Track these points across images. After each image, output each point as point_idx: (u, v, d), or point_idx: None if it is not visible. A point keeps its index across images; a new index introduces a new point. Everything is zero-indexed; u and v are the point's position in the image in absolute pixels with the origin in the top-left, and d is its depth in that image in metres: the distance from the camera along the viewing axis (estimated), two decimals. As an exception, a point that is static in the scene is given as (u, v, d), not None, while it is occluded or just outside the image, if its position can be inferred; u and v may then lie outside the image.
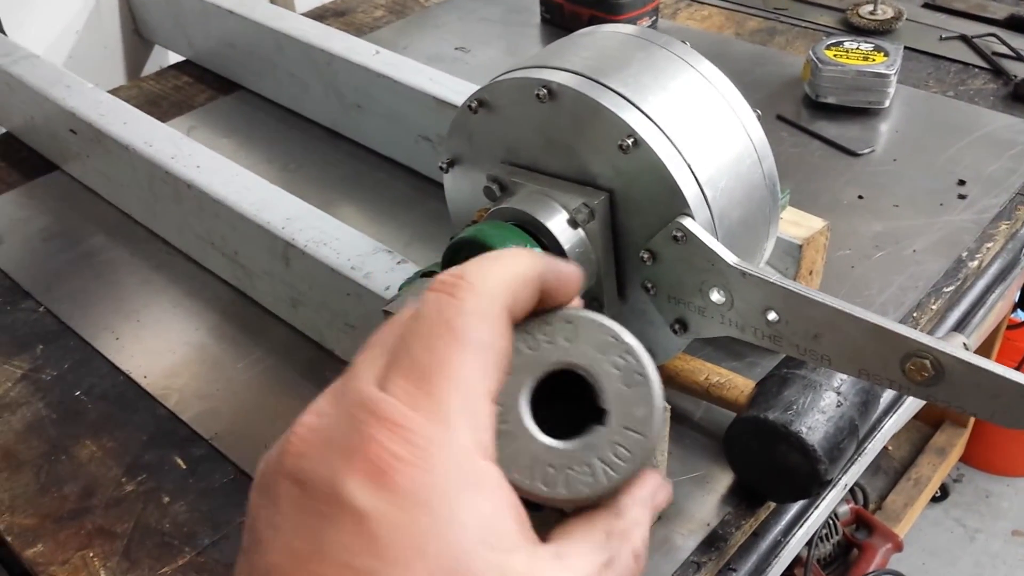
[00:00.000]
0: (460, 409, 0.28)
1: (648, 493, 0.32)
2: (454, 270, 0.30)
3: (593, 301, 0.58)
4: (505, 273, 0.30)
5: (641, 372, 0.31)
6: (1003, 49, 1.09)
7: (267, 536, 0.27)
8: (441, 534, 0.26)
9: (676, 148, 0.54)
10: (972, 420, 1.57)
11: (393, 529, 0.26)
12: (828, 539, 1.42)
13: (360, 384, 0.29)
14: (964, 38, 1.12)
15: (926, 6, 1.19)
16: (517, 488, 0.30)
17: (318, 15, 1.23)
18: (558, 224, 0.55)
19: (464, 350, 0.28)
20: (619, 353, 0.31)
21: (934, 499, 1.68)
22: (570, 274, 0.32)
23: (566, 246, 0.55)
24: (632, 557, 0.30)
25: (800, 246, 0.67)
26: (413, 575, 0.25)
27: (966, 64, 1.08)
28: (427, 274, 0.59)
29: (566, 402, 0.32)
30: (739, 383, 0.63)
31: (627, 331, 0.32)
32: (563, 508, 0.31)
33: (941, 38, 1.12)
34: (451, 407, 0.27)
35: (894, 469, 1.58)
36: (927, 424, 1.61)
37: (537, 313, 0.32)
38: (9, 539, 0.61)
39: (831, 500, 0.68)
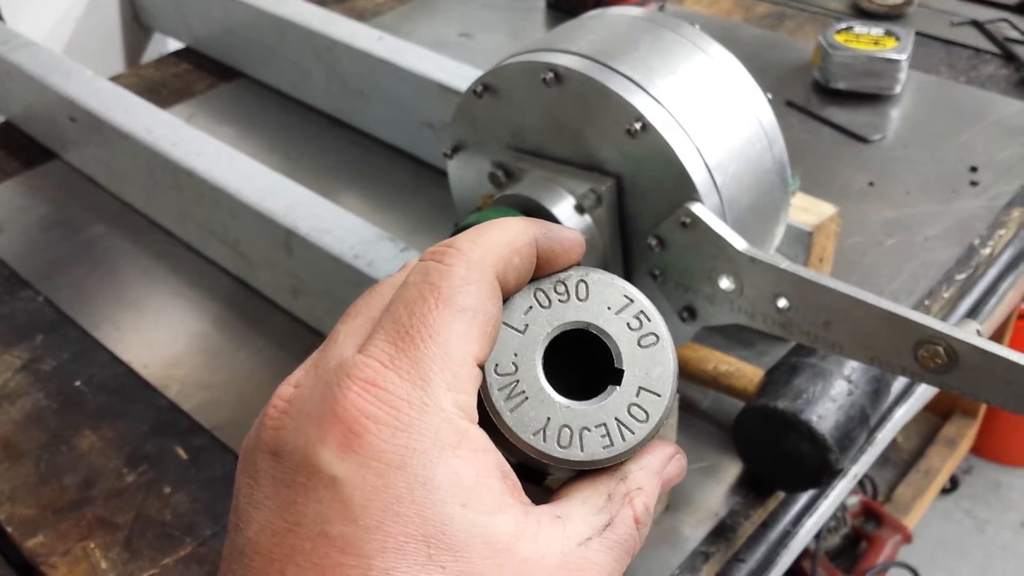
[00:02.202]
0: (441, 369, 0.27)
1: (658, 462, 0.31)
2: (444, 241, 0.30)
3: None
4: (495, 240, 0.30)
5: (656, 332, 0.31)
6: (1015, 34, 1.07)
7: (247, 514, 0.27)
8: (416, 496, 0.25)
9: (685, 132, 0.53)
10: (982, 411, 1.56)
11: (366, 493, 0.25)
12: (836, 531, 1.41)
13: (338, 350, 0.28)
14: (976, 23, 1.10)
15: (937, -9, 1.18)
16: (531, 450, 0.30)
17: (320, 0, 1.22)
18: (564, 210, 0.54)
19: (448, 312, 0.27)
20: (634, 313, 0.31)
21: (944, 490, 1.67)
22: (569, 238, 0.32)
23: (572, 232, 0.54)
24: (633, 522, 0.29)
25: (810, 233, 0.66)
26: (389, 539, 0.25)
27: (978, 50, 1.06)
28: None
29: (577, 362, 0.31)
30: (748, 372, 0.62)
31: (640, 292, 0.32)
32: (572, 471, 0.31)
33: (952, 23, 1.11)
34: (431, 367, 0.27)
35: (903, 460, 1.57)
36: (937, 415, 1.60)
37: (550, 273, 0.32)
38: (9, 530, 0.60)
39: (841, 490, 0.67)
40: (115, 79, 1.06)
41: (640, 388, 0.30)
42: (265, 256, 0.73)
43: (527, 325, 0.31)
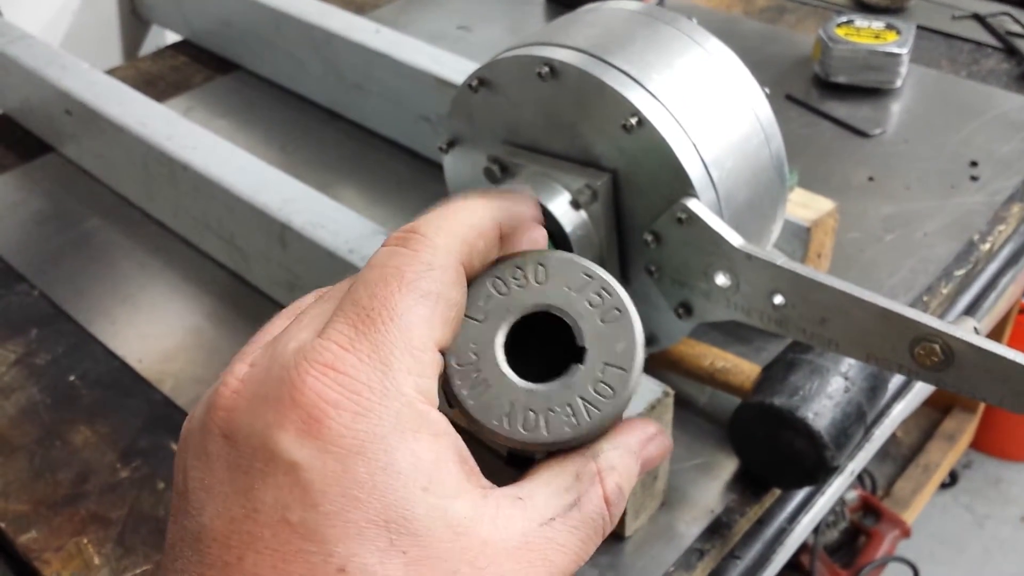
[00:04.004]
0: (402, 353, 0.26)
1: (635, 441, 0.30)
2: (407, 225, 0.29)
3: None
4: (460, 224, 0.29)
5: (618, 307, 0.31)
6: (1016, 28, 1.07)
7: (199, 499, 0.26)
8: (377, 481, 0.25)
9: (681, 127, 0.52)
10: (982, 406, 1.56)
11: (327, 479, 0.25)
12: (835, 526, 1.41)
13: (298, 332, 0.28)
14: (977, 17, 1.09)
15: (938, -16, 1.17)
16: (497, 436, 0.29)
17: (319, -6, 1.21)
18: (560, 206, 0.54)
19: (410, 296, 0.27)
20: (594, 289, 0.31)
21: (943, 485, 1.67)
22: (525, 211, 0.32)
23: (568, 228, 0.53)
24: (602, 502, 0.29)
25: (808, 228, 0.66)
26: (350, 525, 0.25)
27: (979, 44, 1.06)
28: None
29: (545, 346, 0.31)
30: (745, 368, 0.61)
31: (602, 268, 0.31)
32: (545, 454, 0.30)
33: (954, 17, 1.10)
34: (392, 350, 0.26)
35: (903, 455, 1.56)
36: (936, 409, 1.60)
37: (507, 257, 0.32)
38: (3, 525, 0.60)
39: (838, 486, 0.67)
40: (112, 72, 1.06)
41: (605, 364, 0.30)
42: (260, 250, 0.73)
43: (486, 315, 0.31)
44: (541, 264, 0.31)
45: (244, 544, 0.25)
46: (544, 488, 0.28)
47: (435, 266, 0.28)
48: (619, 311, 0.30)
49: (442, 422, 0.27)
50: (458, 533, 0.26)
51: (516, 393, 0.30)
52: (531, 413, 0.29)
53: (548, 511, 0.28)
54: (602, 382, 0.30)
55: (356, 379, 0.26)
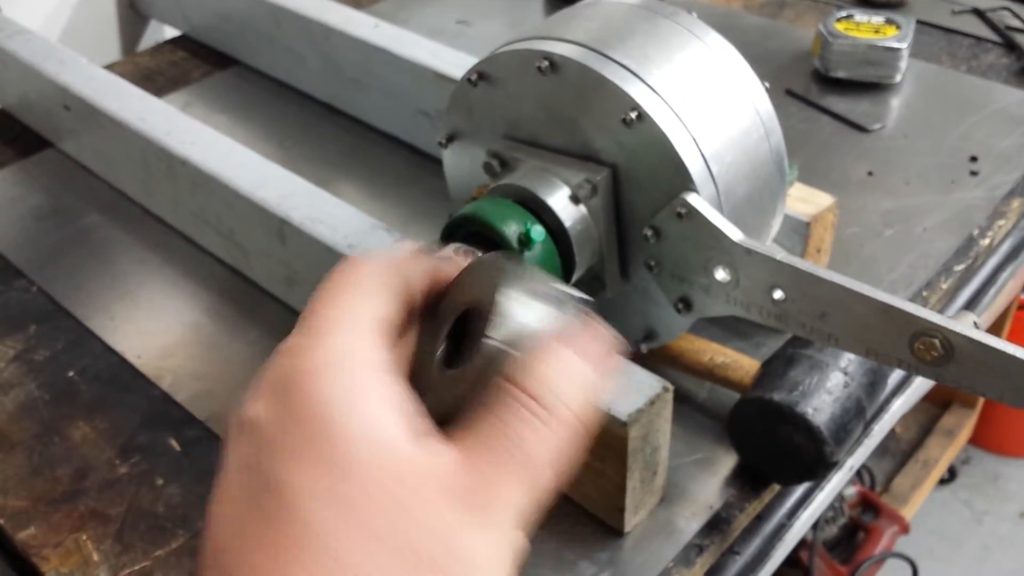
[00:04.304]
0: (336, 319, 0.31)
1: (534, 339, 0.32)
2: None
3: (595, 279, 0.56)
4: (386, 249, 0.35)
5: (513, 268, 0.33)
6: (1016, 23, 1.07)
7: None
8: (326, 430, 0.28)
9: (681, 122, 0.52)
10: (981, 401, 1.56)
11: (284, 430, 0.28)
12: (834, 521, 1.41)
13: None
14: (977, 11, 1.09)
15: (938, -21, 1.17)
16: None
17: (318, -11, 1.21)
18: (559, 200, 0.54)
19: (341, 285, 0.32)
20: (494, 269, 0.34)
21: (942, 481, 1.67)
22: (451, 264, 0.36)
23: (567, 223, 0.53)
24: (512, 388, 0.30)
25: (808, 223, 0.66)
26: (287, 449, 0.28)
27: (979, 38, 1.05)
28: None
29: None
30: (744, 363, 0.61)
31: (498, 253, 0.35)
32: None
33: (953, 11, 1.10)
34: (326, 320, 0.31)
35: (902, 451, 1.56)
36: (936, 405, 1.60)
37: None
38: (1, 522, 0.60)
39: (837, 482, 0.67)
40: (111, 67, 1.06)
41: (504, 309, 0.32)
42: (259, 246, 0.73)
43: (429, 337, 0.34)
44: (465, 274, 0.35)
45: (219, 510, 0.29)
46: (464, 418, 0.31)
47: (365, 264, 0.33)
48: (516, 270, 0.33)
49: (383, 370, 0.30)
50: (398, 459, 0.28)
51: (441, 381, 0.33)
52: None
53: (468, 430, 0.30)
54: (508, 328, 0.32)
55: (302, 347, 0.30)
